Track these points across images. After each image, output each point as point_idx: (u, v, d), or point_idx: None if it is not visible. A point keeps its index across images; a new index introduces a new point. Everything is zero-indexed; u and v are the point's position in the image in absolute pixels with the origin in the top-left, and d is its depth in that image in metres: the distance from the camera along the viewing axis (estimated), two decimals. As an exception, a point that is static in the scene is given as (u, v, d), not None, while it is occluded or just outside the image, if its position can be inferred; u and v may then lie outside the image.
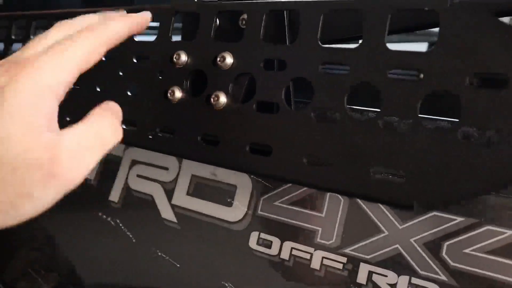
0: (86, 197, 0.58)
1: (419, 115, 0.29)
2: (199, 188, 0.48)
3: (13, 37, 0.63)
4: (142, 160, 0.54)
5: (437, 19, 0.28)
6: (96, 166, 0.57)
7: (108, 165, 0.57)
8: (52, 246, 0.62)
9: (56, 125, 0.27)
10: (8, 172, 0.24)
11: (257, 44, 0.35)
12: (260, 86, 0.33)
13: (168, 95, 0.39)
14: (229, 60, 0.35)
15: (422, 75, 0.29)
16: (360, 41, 0.31)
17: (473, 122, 0.27)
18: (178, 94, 0.39)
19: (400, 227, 0.38)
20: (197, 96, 0.38)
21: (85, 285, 0.56)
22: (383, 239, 0.38)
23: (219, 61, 0.36)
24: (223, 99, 0.35)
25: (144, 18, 0.34)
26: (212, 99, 0.36)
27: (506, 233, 0.31)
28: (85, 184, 0.58)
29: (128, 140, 0.45)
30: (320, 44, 0.32)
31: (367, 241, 0.39)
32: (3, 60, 0.28)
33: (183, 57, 0.38)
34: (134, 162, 0.54)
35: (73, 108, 0.50)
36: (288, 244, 0.42)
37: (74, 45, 0.29)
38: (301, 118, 0.32)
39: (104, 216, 0.55)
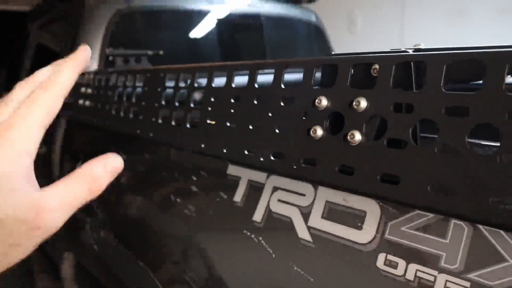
0: (234, 216, 0.69)
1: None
2: (332, 212, 0.55)
3: (181, 84, 0.78)
4: (282, 187, 0.63)
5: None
6: (244, 189, 0.67)
7: (253, 190, 0.67)
8: (204, 258, 0.74)
9: (35, 181, 0.33)
10: (0, 228, 0.29)
11: (388, 90, 0.42)
12: (391, 126, 0.40)
13: (311, 133, 0.48)
14: (363, 104, 0.43)
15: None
16: (481, 87, 0.36)
17: None
18: (320, 132, 0.47)
19: (525, 257, 0.40)
20: (336, 134, 0.45)
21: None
22: (508, 268, 0.41)
23: (355, 105, 0.43)
24: (358, 136, 0.43)
25: (87, 54, 0.39)
26: (348, 137, 0.43)
27: None
28: (233, 205, 0.69)
29: (276, 169, 0.55)
30: (444, 91, 0.38)
31: (491, 268, 0.42)
32: None
33: (324, 102, 0.47)
34: (275, 189, 0.64)
35: (230, 143, 0.62)
36: (413, 266, 0.47)
37: (35, 108, 0.34)
38: (426, 153, 0.38)
39: (249, 234, 0.65)
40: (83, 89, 1.17)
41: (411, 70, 0.44)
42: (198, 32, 1.86)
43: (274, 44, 2.09)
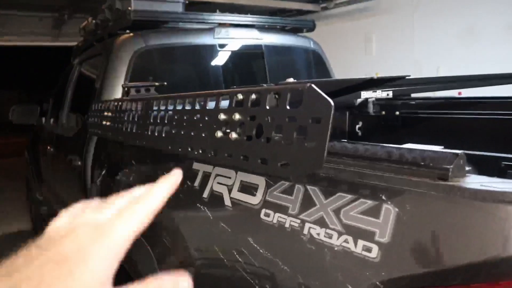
0: (193, 196, 1.01)
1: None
2: (243, 187, 0.87)
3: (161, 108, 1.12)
4: (220, 174, 0.94)
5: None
6: (200, 178, 0.99)
7: (205, 178, 0.99)
8: (174, 225, 1.06)
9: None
10: None
11: (247, 108, 0.73)
12: (247, 128, 0.72)
13: (215, 135, 0.80)
14: (237, 116, 0.75)
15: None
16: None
17: (312, 138, 0.61)
18: (219, 133, 0.79)
19: (324, 202, 0.70)
20: (226, 135, 0.77)
21: (188, 244, 0.98)
22: (317, 209, 0.71)
23: (233, 116, 0.75)
24: (234, 135, 0.74)
25: (178, 177, 0.41)
26: (229, 135, 0.75)
27: None
28: (194, 189, 1.02)
29: (201, 159, 0.87)
30: (267, 108, 0.69)
31: (310, 210, 0.72)
32: (83, 219, 0.36)
33: (222, 116, 0.79)
34: (217, 175, 0.96)
35: (181, 144, 0.94)
36: (277, 215, 0.77)
37: (132, 219, 0.36)
38: (258, 142, 0.69)
39: (199, 206, 0.97)
40: (106, 113, 1.54)
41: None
42: (207, 63, 2.22)
43: (275, 69, 2.42)
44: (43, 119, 3.29)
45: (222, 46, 2.24)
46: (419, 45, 4.28)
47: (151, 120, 1.13)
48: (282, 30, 2.58)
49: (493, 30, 3.82)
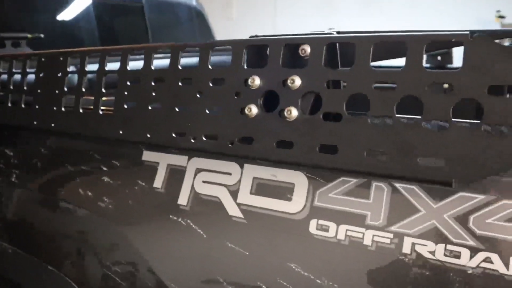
0: (156, 203, 0.68)
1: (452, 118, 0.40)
2: (260, 188, 0.58)
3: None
4: (206, 168, 0.64)
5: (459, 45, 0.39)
6: (163, 174, 0.66)
7: (174, 174, 0.67)
8: (129, 249, 0.71)
9: None
10: None
11: (320, 69, 0.46)
12: (326, 101, 0.44)
13: (246, 111, 0.50)
14: (297, 81, 0.46)
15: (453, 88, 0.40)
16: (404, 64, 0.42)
17: (491, 120, 0.38)
18: (255, 110, 0.49)
19: (435, 206, 0.48)
20: (272, 111, 0.48)
21: (164, 280, 0.65)
22: (421, 217, 0.49)
23: (290, 83, 0.46)
24: (295, 112, 0.46)
25: None
26: (286, 113, 0.46)
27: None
28: (154, 192, 0.68)
29: (209, 150, 0.56)
30: (372, 68, 0.43)
31: (409, 219, 0.49)
32: None
33: (257, 81, 0.49)
34: (198, 170, 0.64)
35: (154, 127, 0.61)
36: (343, 227, 0.52)
37: None
38: (361, 124, 0.42)
39: (175, 218, 0.65)
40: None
41: (336, 51, 0.48)
42: (78, 15, 1.72)
43: (156, 27, 2.04)
44: None
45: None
46: (281, 13, 4.28)
47: (66, 88, 0.73)
48: (161, -18, 2.18)
49: (349, 4, 4.01)
